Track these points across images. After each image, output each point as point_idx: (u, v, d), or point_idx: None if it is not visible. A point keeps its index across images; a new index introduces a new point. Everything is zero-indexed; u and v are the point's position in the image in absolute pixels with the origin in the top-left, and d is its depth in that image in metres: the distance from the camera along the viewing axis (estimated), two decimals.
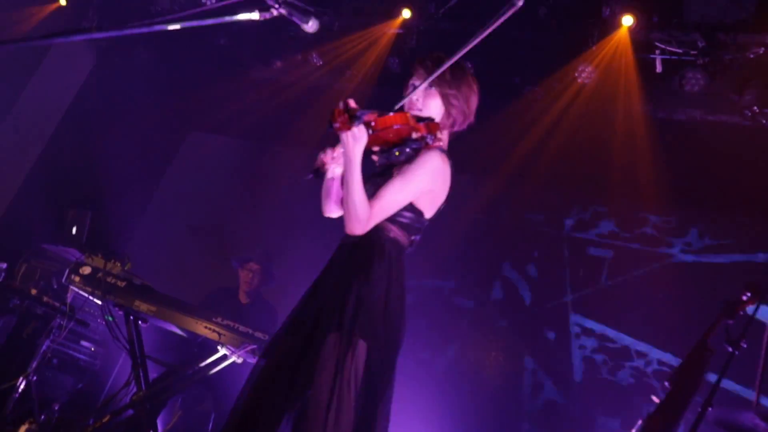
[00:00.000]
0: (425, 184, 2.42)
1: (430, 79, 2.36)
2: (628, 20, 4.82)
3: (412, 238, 2.50)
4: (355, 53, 5.68)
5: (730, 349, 3.62)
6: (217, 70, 6.63)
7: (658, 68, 4.96)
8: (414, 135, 2.38)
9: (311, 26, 2.29)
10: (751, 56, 4.67)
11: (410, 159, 2.43)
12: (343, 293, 2.32)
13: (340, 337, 2.26)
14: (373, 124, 2.32)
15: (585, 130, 5.25)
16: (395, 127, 2.35)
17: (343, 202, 2.36)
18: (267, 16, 2.15)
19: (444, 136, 2.51)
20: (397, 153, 2.40)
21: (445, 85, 2.49)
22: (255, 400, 2.31)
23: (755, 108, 4.72)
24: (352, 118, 2.27)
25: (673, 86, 4.88)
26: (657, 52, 4.94)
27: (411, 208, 2.44)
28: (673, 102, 5.20)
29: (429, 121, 2.44)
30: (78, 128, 6.87)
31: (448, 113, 2.52)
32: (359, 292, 2.31)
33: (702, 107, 5.18)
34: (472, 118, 2.59)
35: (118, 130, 6.76)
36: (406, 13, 5.39)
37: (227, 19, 2.12)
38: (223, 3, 2.18)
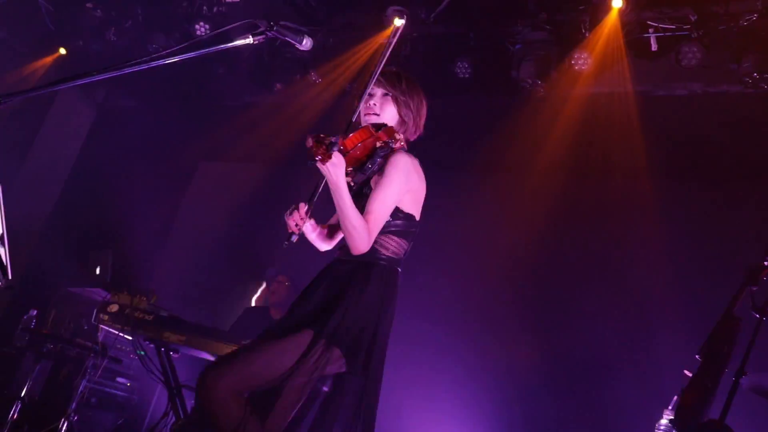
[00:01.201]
0: (403, 184, 2.58)
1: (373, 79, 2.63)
2: (617, 2, 4.85)
3: (407, 246, 2.66)
4: (352, 67, 5.75)
5: (757, 316, 3.62)
6: (219, 98, 6.74)
7: (653, 47, 4.97)
8: (378, 144, 2.56)
9: (306, 44, 2.36)
10: (745, 23, 4.68)
11: (381, 168, 2.59)
12: (331, 303, 2.47)
13: (317, 334, 2.39)
14: (342, 147, 2.45)
15: (584, 117, 5.27)
16: (361, 143, 2.51)
17: (342, 228, 2.49)
18: (260, 39, 2.22)
19: (401, 138, 2.69)
20: (369, 165, 2.55)
21: (399, 93, 2.73)
22: None
23: (755, 75, 4.72)
24: (328, 147, 2.36)
25: (671, 62, 4.89)
26: (650, 30, 4.95)
27: (400, 214, 2.60)
28: (672, 78, 5.20)
29: (385, 127, 2.64)
30: (90, 171, 7.00)
31: (402, 120, 2.74)
32: (347, 309, 2.45)
33: (701, 80, 5.18)
34: (421, 130, 2.81)
35: (129, 169, 6.88)
36: (398, 22, 5.44)
37: (223, 47, 2.19)
38: (218, 32, 2.25)
